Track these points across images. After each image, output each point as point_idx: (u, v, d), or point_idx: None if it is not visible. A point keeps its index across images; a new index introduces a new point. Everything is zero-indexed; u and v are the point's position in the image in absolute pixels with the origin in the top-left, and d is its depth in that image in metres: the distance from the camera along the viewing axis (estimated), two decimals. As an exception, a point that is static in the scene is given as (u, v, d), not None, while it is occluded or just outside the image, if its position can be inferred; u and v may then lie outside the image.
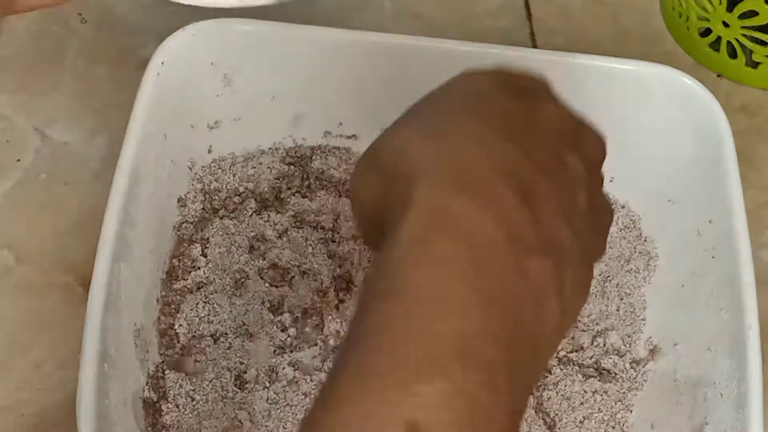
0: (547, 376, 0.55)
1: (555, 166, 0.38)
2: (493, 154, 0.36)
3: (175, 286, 0.55)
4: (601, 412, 0.54)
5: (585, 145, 0.40)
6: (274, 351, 0.54)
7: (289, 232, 0.58)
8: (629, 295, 0.56)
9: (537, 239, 0.35)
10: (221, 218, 0.57)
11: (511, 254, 0.35)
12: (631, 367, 0.55)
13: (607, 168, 0.58)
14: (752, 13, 0.65)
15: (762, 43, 0.66)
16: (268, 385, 0.53)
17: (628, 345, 0.56)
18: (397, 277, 0.34)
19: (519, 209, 0.35)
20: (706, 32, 0.68)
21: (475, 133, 0.37)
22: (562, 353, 0.56)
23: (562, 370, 0.55)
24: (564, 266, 0.36)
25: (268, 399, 0.53)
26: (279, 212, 0.58)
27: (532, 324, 0.35)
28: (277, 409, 0.53)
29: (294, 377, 0.53)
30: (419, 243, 0.34)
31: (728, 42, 0.67)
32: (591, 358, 0.55)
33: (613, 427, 0.53)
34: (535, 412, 0.54)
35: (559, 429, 0.53)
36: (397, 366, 0.33)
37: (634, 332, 0.56)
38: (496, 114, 0.38)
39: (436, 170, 0.35)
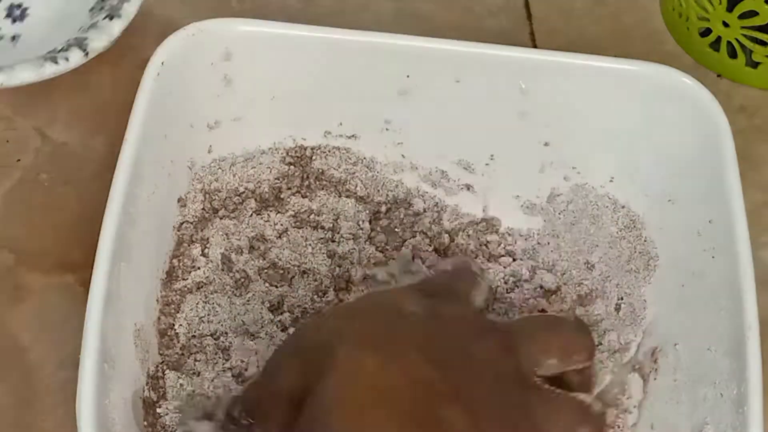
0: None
1: (461, 344, 0.44)
2: (403, 330, 0.44)
3: (175, 286, 0.55)
4: (601, 412, 0.54)
5: (490, 339, 0.46)
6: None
7: (289, 232, 0.58)
8: (629, 295, 0.56)
9: (447, 390, 0.41)
10: (221, 218, 0.57)
11: (424, 401, 0.41)
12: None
13: (607, 168, 0.58)
14: (752, 13, 0.65)
15: (762, 43, 0.66)
16: (268, 385, 0.53)
17: (627, 345, 0.56)
18: (321, 421, 0.41)
19: (428, 369, 0.42)
20: (706, 32, 0.68)
21: (387, 313, 0.45)
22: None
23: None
24: (479, 416, 0.42)
25: (268, 399, 0.53)
26: (279, 212, 0.58)
27: None
28: (277, 409, 0.53)
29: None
30: (340, 396, 0.41)
31: (728, 42, 0.67)
32: (591, 358, 0.55)
33: (613, 428, 0.53)
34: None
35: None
36: None
37: (634, 332, 0.56)
38: (408, 302, 0.45)
39: (352, 339, 0.43)
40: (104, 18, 0.61)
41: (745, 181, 0.53)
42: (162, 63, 0.53)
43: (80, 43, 0.60)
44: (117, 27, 0.61)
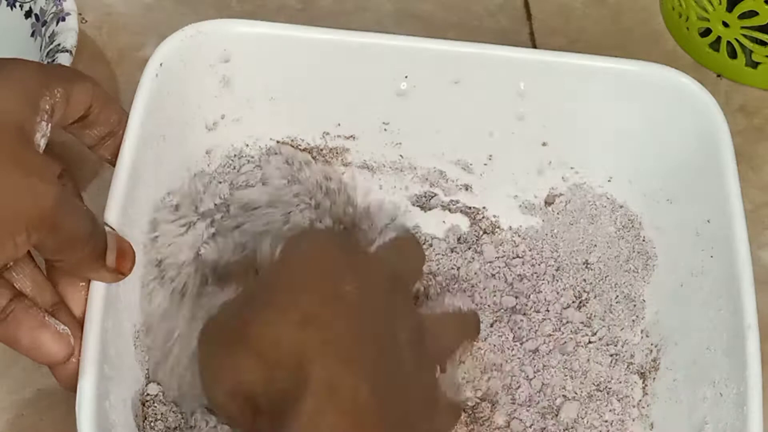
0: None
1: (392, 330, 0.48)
2: (358, 335, 0.46)
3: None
4: (600, 411, 0.54)
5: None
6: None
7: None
8: (628, 294, 0.56)
9: (398, 398, 0.46)
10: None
11: (381, 412, 0.44)
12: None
13: (606, 168, 0.58)
14: (752, 13, 0.65)
15: (762, 43, 0.66)
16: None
17: (626, 345, 0.56)
18: None
19: (384, 377, 0.45)
20: (706, 32, 0.68)
21: (335, 316, 0.46)
22: (561, 353, 0.56)
23: (561, 369, 0.55)
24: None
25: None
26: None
27: None
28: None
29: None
30: (317, 414, 0.43)
31: (728, 42, 0.67)
32: (590, 358, 0.56)
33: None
34: (535, 412, 0.54)
35: (558, 429, 0.54)
36: None
37: (633, 332, 0.56)
38: (344, 291, 0.47)
39: (319, 354, 0.44)
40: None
41: (744, 181, 0.53)
42: (161, 64, 0.53)
43: None
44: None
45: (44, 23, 0.62)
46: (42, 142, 0.44)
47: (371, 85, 0.57)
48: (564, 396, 0.54)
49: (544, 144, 0.58)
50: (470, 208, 0.59)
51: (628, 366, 0.55)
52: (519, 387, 0.54)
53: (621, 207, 0.58)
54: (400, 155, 0.59)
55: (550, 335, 0.56)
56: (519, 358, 0.55)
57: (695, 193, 0.54)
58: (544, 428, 0.53)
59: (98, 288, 0.47)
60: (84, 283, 0.47)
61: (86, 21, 0.68)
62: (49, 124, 0.45)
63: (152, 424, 0.49)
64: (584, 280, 0.57)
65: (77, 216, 0.44)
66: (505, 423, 0.53)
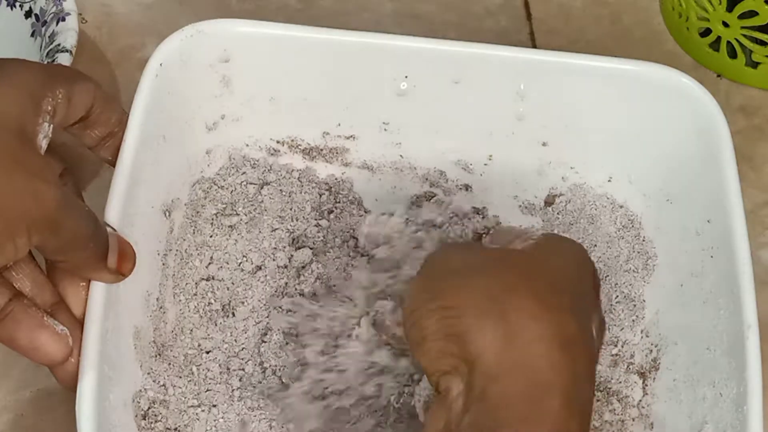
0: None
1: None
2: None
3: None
4: (600, 411, 0.54)
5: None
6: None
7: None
8: (628, 294, 0.56)
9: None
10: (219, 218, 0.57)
11: None
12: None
13: (606, 168, 0.58)
14: (752, 13, 0.65)
15: (762, 43, 0.66)
16: (267, 385, 0.53)
17: (626, 345, 0.56)
18: None
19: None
20: (706, 32, 0.68)
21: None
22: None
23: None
24: None
25: (267, 399, 0.53)
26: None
27: None
28: (277, 409, 0.53)
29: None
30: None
31: (728, 42, 0.67)
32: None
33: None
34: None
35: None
36: None
37: (633, 332, 0.56)
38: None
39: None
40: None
41: (744, 181, 0.53)
42: (161, 64, 0.53)
43: None
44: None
45: (44, 23, 0.62)
46: (44, 143, 0.44)
47: (371, 85, 0.57)
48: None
49: (544, 144, 0.58)
50: (470, 208, 0.59)
51: (628, 366, 0.55)
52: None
53: (621, 207, 0.58)
54: (400, 155, 0.59)
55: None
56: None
57: (695, 193, 0.54)
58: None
59: (98, 288, 0.47)
60: (84, 284, 0.47)
61: (86, 21, 0.68)
62: (51, 125, 0.45)
63: (152, 424, 0.50)
64: (584, 280, 0.57)
65: (79, 217, 0.44)
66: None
